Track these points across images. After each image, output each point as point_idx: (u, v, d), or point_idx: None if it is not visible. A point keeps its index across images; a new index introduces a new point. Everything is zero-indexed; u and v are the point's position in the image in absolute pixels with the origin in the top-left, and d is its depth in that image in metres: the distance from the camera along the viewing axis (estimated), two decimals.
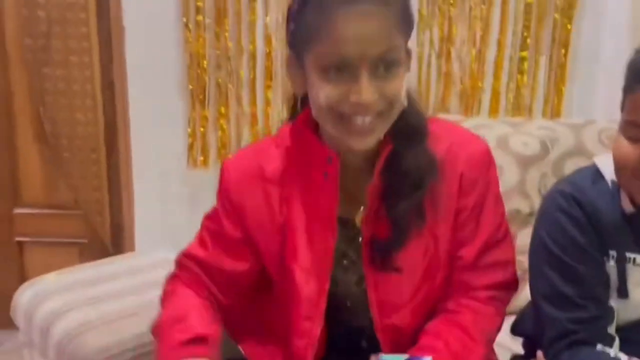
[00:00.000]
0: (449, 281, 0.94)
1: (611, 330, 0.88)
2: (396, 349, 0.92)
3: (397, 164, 0.88)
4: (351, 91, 0.80)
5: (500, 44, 1.78)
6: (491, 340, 0.96)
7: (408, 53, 0.86)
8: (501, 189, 1.41)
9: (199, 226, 1.73)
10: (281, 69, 1.83)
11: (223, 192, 0.97)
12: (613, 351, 0.86)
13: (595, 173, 0.93)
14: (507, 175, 1.45)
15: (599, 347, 0.87)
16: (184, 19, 1.79)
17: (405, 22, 0.84)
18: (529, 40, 1.77)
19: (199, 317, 0.93)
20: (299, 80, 0.87)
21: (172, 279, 1.03)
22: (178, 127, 1.90)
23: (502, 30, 1.78)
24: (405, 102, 0.84)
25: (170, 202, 1.98)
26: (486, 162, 0.93)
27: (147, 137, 1.92)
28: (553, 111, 1.80)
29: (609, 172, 0.90)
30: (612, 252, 0.88)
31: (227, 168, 0.97)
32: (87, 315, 1.47)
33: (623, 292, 0.88)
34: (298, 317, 0.93)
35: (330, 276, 0.92)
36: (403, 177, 0.88)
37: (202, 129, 1.89)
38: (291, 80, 0.90)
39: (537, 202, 1.48)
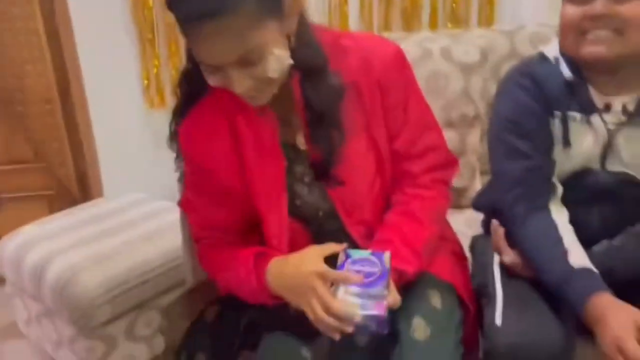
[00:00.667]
0: (394, 175, 1.08)
1: (554, 179, 1.05)
2: (369, 240, 1.06)
3: (308, 104, 0.96)
4: (226, 83, 0.89)
5: None
6: (441, 219, 1.12)
7: (281, 22, 0.88)
8: (448, 96, 1.56)
9: (163, 165, 1.82)
10: None
11: (187, 158, 1.07)
12: (563, 214, 1.03)
13: (542, 55, 1.08)
14: (453, 83, 1.58)
15: (553, 212, 1.03)
16: None
17: (270, 8, 0.86)
18: None
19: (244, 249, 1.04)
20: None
21: (200, 251, 1.12)
22: (131, 69, 1.91)
23: None
24: (289, 61, 0.90)
25: (132, 145, 2.02)
26: (399, 63, 1.02)
27: (100, 83, 1.92)
28: (487, 20, 1.92)
29: (552, 52, 1.06)
30: (557, 113, 1.03)
31: (182, 135, 1.05)
32: (76, 258, 1.55)
33: (566, 143, 1.03)
34: (269, 238, 1.05)
35: (286, 192, 1.03)
36: (313, 110, 0.97)
37: (155, 70, 1.91)
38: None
39: (481, 106, 1.63)
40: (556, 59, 1.05)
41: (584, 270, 0.95)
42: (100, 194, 2.06)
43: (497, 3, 1.91)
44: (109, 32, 1.87)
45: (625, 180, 1.01)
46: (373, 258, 0.93)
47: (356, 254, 0.95)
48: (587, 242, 1.01)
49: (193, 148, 1.04)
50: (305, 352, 1.02)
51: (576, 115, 1.03)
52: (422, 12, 1.91)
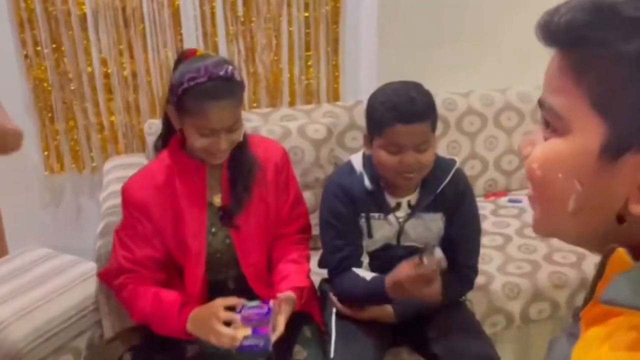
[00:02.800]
0: (275, 233, 1.56)
1: (362, 258, 1.53)
2: (256, 280, 1.51)
3: (234, 163, 1.46)
4: (214, 142, 1.35)
5: (290, 47, 2.33)
6: (309, 263, 1.60)
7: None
8: (304, 165, 2.03)
9: (62, 222, 2.13)
10: (118, 85, 2.19)
11: (129, 206, 1.43)
12: (362, 271, 1.51)
13: (350, 167, 1.53)
14: (307, 155, 2.05)
15: (355, 270, 1.50)
16: (24, 51, 2.05)
17: (242, 100, 1.41)
18: (310, 42, 2.34)
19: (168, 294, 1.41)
20: (177, 123, 1.40)
21: (123, 286, 1.44)
22: (32, 143, 2.18)
23: (290, 36, 2.32)
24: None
25: (34, 206, 2.28)
26: (286, 155, 1.58)
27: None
28: (334, 95, 2.43)
29: (358, 166, 1.52)
30: (362, 214, 1.50)
31: (127, 188, 1.45)
32: (2, 314, 1.81)
33: (370, 235, 1.52)
34: (190, 267, 1.45)
35: (206, 239, 1.46)
36: (238, 170, 1.47)
37: (55, 142, 2.19)
38: (172, 120, 1.41)
39: (329, 170, 2.12)
40: (361, 173, 1.51)
41: (375, 277, 1.45)
42: (6, 251, 2.28)
43: (342, 82, 2.42)
44: (12, 112, 2.11)
45: (414, 249, 1.52)
46: (262, 304, 1.36)
47: (250, 303, 1.38)
48: None
49: (138, 195, 1.42)
50: None
51: (376, 215, 1.50)
52: (283, 88, 2.37)
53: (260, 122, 2.12)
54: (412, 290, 1.33)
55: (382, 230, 1.51)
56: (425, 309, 1.51)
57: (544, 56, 0.58)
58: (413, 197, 1.50)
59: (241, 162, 1.47)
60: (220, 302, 1.36)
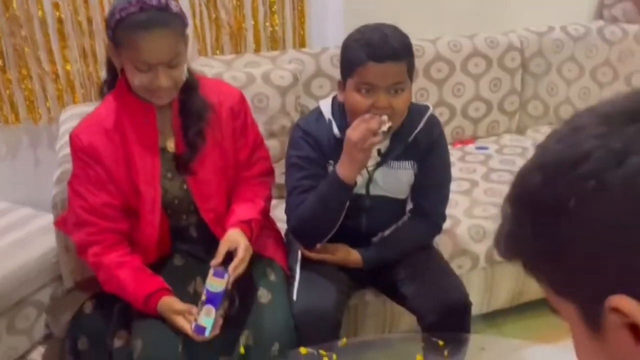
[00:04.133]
0: (235, 178, 1.52)
1: None
2: (218, 225, 1.48)
3: (184, 107, 1.41)
4: (153, 78, 1.29)
5: None
6: (267, 204, 1.56)
7: (186, 44, 1.34)
8: (269, 112, 1.98)
9: (20, 175, 2.05)
10: (72, 31, 2.09)
11: (79, 153, 1.37)
12: None
13: (319, 113, 1.49)
14: (272, 102, 2.00)
15: None
16: None
17: (184, 32, 1.32)
18: None
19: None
20: (117, 60, 1.33)
21: (85, 246, 1.38)
22: None
23: None
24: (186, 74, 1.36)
25: None
26: (243, 100, 1.52)
27: None
28: (300, 41, 2.36)
29: (327, 112, 1.47)
30: (331, 161, 1.46)
31: (75, 135, 1.38)
32: None
33: None
34: (145, 214, 1.41)
35: (161, 185, 1.41)
36: (189, 115, 1.41)
37: (7, 91, 2.09)
38: (112, 58, 1.35)
39: (295, 117, 2.07)
40: (329, 120, 1.46)
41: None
42: None
43: (307, 28, 2.35)
44: None
45: (383, 198, 1.50)
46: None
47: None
48: (361, 240, 1.50)
49: (88, 142, 1.36)
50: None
51: None
52: (247, 34, 2.30)
53: (223, 68, 2.05)
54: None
55: None
56: (392, 255, 1.50)
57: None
58: (383, 145, 1.46)
59: (192, 106, 1.41)
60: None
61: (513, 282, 1.97)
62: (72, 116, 2.02)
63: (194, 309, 1.32)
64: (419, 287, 1.45)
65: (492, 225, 1.86)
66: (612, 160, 0.44)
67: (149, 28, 1.24)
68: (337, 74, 2.16)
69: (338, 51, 2.20)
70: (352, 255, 1.50)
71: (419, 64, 2.27)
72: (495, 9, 2.56)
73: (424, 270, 1.49)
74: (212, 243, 1.50)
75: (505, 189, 1.83)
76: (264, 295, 1.42)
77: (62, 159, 1.70)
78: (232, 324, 1.36)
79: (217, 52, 2.27)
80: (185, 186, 1.45)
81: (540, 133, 2.52)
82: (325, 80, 2.17)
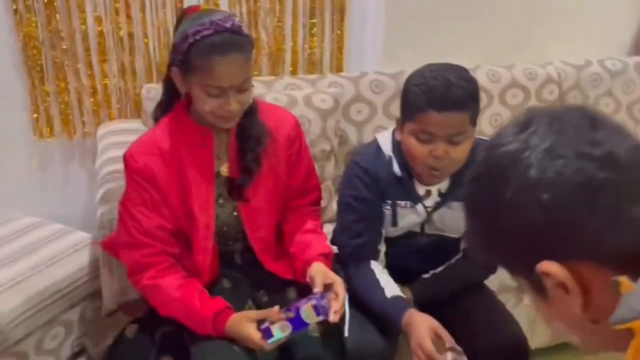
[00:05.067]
0: (286, 206, 1.48)
1: (380, 247, 1.45)
2: (264, 253, 1.44)
3: (243, 131, 1.38)
4: (224, 103, 1.26)
5: (294, 14, 2.23)
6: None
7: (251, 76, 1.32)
8: (310, 136, 1.95)
9: (50, 190, 1.99)
10: (113, 46, 2.07)
11: (133, 174, 1.33)
12: (380, 273, 1.42)
13: (377, 148, 1.43)
14: (313, 125, 1.97)
15: (373, 268, 1.41)
16: (14, 6, 1.91)
17: (252, 54, 1.29)
18: (315, 9, 2.25)
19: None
20: (182, 85, 1.30)
21: (141, 269, 1.32)
22: (21, 105, 2.05)
23: (294, 2, 2.22)
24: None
25: (21, 173, 2.15)
26: (299, 126, 1.49)
27: None
28: (337, 65, 2.34)
29: (386, 148, 1.41)
30: (388, 201, 1.41)
31: (130, 156, 1.34)
32: None
33: (394, 223, 1.44)
34: (198, 240, 1.37)
35: (215, 211, 1.37)
36: (247, 138, 1.38)
37: (44, 104, 2.06)
38: (176, 83, 1.32)
39: (335, 142, 2.05)
40: (390, 157, 1.40)
41: (395, 298, 1.36)
42: None
43: (346, 52, 2.34)
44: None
45: (438, 237, 1.46)
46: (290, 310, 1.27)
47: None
48: (413, 276, 1.46)
49: (143, 163, 1.32)
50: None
51: (403, 203, 1.41)
52: (285, 56, 2.28)
53: (263, 89, 2.03)
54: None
55: (407, 218, 1.44)
56: (444, 292, 1.47)
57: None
58: (444, 185, 1.42)
59: (251, 130, 1.38)
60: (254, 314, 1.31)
61: None
62: (110, 132, 1.99)
63: (273, 314, 1.27)
64: (475, 329, 1.40)
65: None
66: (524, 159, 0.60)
67: (225, 52, 1.21)
68: (376, 99, 2.17)
69: (377, 77, 2.23)
70: (404, 294, 1.45)
71: None
72: (532, 40, 2.55)
73: (481, 311, 1.45)
74: (256, 271, 1.46)
75: None
76: (314, 328, 1.37)
77: (105, 177, 1.67)
78: (283, 355, 1.31)
79: (255, 72, 2.25)
80: (235, 213, 1.41)
81: None
82: (364, 105, 2.15)
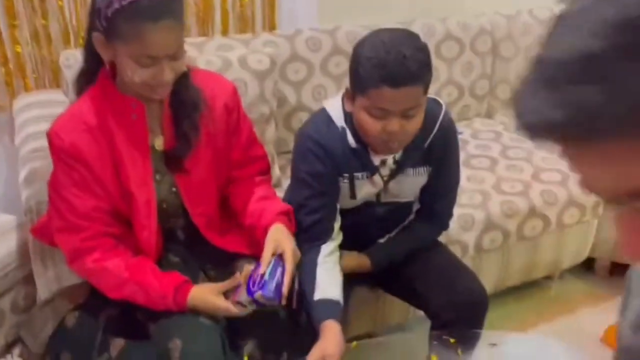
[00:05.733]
0: (230, 178, 1.41)
1: (335, 223, 1.37)
2: (208, 229, 1.37)
3: (177, 97, 1.28)
4: (157, 73, 1.16)
5: None
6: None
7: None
8: (248, 99, 1.87)
9: None
10: (24, 8, 1.87)
11: (60, 153, 1.22)
12: (332, 244, 1.36)
13: (328, 119, 1.34)
14: (250, 88, 1.88)
15: (322, 249, 1.34)
16: None
17: (184, 22, 1.18)
18: None
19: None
20: (106, 53, 1.19)
21: (82, 254, 1.23)
22: None
23: None
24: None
25: None
26: (236, 94, 1.40)
27: None
28: (270, 23, 2.24)
29: (338, 119, 1.33)
30: (345, 174, 1.35)
31: (55, 133, 1.22)
32: None
33: (353, 196, 1.39)
34: (139, 217, 1.28)
35: (154, 187, 1.29)
36: (182, 105, 1.29)
37: None
38: (99, 50, 1.19)
39: (274, 104, 1.97)
40: (343, 129, 1.32)
41: (321, 302, 1.29)
42: None
43: (277, 8, 2.23)
44: None
45: (393, 204, 1.43)
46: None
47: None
48: (372, 240, 1.45)
49: (69, 139, 1.20)
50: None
51: (360, 174, 1.36)
52: (215, 15, 2.15)
53: (195, 52, 1.91)
54: None
55: (365, 189, 1.40)
56: (400, 254, 1.47)
57: None
58: (398, 153, 1.37)
59: (185, 96, 1.28)
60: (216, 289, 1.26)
61: (497, 269, 1.97)
62: (28, 105, 1.83)
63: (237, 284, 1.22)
64: (433, 285, 1.41)
65: (480, 214, 1.85)
66: None
67: (157, 18, 1.10)
68: (313, 58, 2.10)
69: (313, 34, 2.15)
70: (362, 262, 1.44)
71: None
72: None
73: (437, 267, 1.46)
74: (202, 246, 1.39)
75: (486, 176, 1.79)
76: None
77: (28, 155, 1.53)
78: (235, 333, 1.26)
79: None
80: (174, 189, 1.33)
81: (509, 116, 2.54)
82: (302, 65, 2.07)
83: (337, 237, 1.40)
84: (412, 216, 1.49)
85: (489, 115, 2.57)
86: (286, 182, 1.98)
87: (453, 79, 2.38)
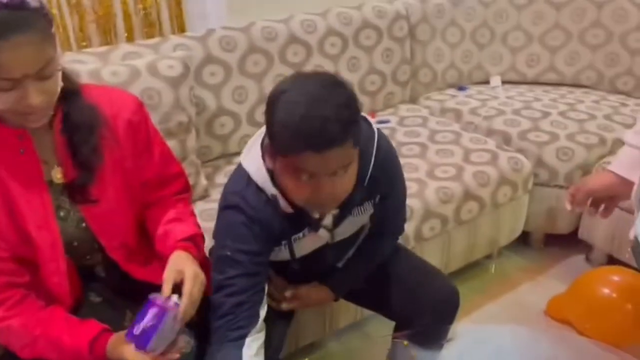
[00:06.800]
0: (146, 202, 1.28)
1: (260, 309, 1.18)
2: (129, 262, 1.24)
3: (69, 120, 1.12)
4: (21, 97, 0.99)
5: None
6: (193, 216, 1.33)
7: (55, 45, 1.03)
8: (163, 109, 1.74)
9: None
10: None
11: None
12: (256, 343, 1.17)
13: (255, 186, 1.16)
14: (164, 96, 1.74)
15: (245, 348, 1.14)
16: None
17: (51, 30, 1.01)
18: None
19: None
20: None
21: None
22: None
23: None
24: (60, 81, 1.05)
25: None
26: (141, 108, 1.24)
27: None
28: (179, 25, 2.11)
29: (264, 184, 1.15)
30: (284, 242, 1.23)
31: None
32: None
33: (292, 257, 1.26)
34: (46, 263, 1.13)
35: (58, 226, 1.14)
36: (77, 129, 1.13)
37: None
38: None
39: (192, 112, 1.85)
40: (274, 196, 1.15)
41: None
42: None
43: (185, 9, 2.11)
44: None
45: (342, 240, 1.33)
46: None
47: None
48: (328, 271, 1.37)
49: None
50: None
51: (300, 234, 1.23)
52: (117, 20, 2.00)
53: (98, 63, 1.75)
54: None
55: (309, 244, 1.28)
56: (363, 274, 1.40)
57: None
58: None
59: (78, 119, 1.12)
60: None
61: (439, 256, 1.96)
62: None
63: None
64: (404, 294, 1.35)
65: (417, 203, 1.82)
66: None
67: (6, 35, 0.94)
68: (229, 58, 1.99)
69: (226, 33, 2.04)
70: (324, 293, 1.36)
71: (311, 39, 2.16)
72: None
73: (403, 274, 1.40)
74: (125, 280, 1.26)
75: (418, 163, 1.69)
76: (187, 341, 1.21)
77: None
78: None
79: (84, 44, 1.95)
80: (83, 224, 1.18)
81: (432, 100, 2.54)
82: (217, 67, 1.96)
83: (262, 330, 1.21)
84: (363, 234, 1.41)
85: (413, 100, 2.55)
86: (214, 192, 1.89)
87: (374, 67, 2.34)
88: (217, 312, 1.17)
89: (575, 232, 2.18)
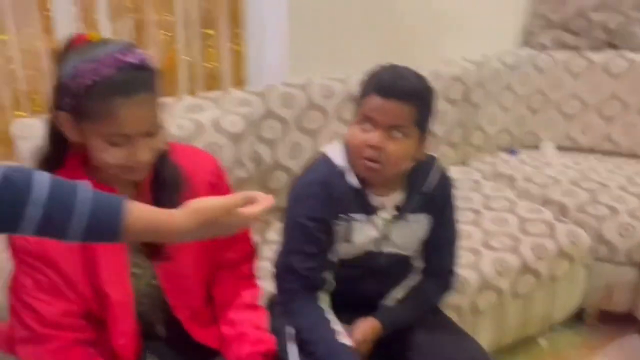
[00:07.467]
0: (215, 263, 1.27)
1: (326, 274, 1.31)
2: (192, 322, 1.22)
3: (158, 178, 1.15)
4: (131, 153, 1.03)
5: (187, 24, 1.99)
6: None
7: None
8: (223, 164, 1.73)
9: None
10: None
11: (22, 254, 1.06)
12: (326, 297, 1.31)
13: (328, 160, 1.31)
14: (225, 151, 1.76)
15: (321, 299, 1.30)
16: None
17: (160, 95, 1.06)
18: (211, 20, 2.02)
19: None
20: (74, 134, 1.05)
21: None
22: None
23: (186, 12, 1.98)
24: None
25: None
26: (220, 169, 1.28)
27: None
28: (239, 79, 2.14)
29: (338, 159, 1.30)
30: (342, 216, 1.28)
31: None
32: None
33: (348, 240, 1.31)
34: (116, 322, 1.12)
35: (131, 284, 1.14)
36: (163, 187, 1.15)
37: None
38: (65, 131, 1.05)
39: (251, 167, 1.85)
40: (343, 168, 1.29)
41: (345, 346, 1.23)
42: None
43: (247, 65, 2.14)
44: None
45: (394, 257, 1.34)
46: None
47: None
48: (368, 301, 1.34)
49: (34, 240, 1.03)
50: None
51: (358, 216, 1.29)
52: (180, 72, 2.03)
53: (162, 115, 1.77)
54: None
55: (363, 234, 1.30)
56: (411, 318, 1.38)
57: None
58: (399, 197, 1.32)
59: (166, 177, 1.15)
60: None
61: (492, 329, 1.89)
62: None
63: None
64: (440, 349, 1.31)
65: (472, 274, 1.77)
66: None
67: (129, 92, 0.98)
68: (287, 114, 2.00)
69: (286, 89, 2.05)
70: (375, 325, 1.31)
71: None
72: (431, 41, 2.51)
73: (442, 331, 1.37)
74: (183, 341, 1.23)
75: (472, 231, 1.90)
76: None
77: None
78: None
79: None
80: (154, 281, 1.18)
81: (484, 162, 2.51)
82: (275, 122, 1.97)
83: (328, 291, 1.34)
84: (415, 275, 1.41)
85: (464, 162, 2.53)
86: (266, 249, 1.85)
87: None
88: (292, 275, 1.29)
89: (631, 310, 2.10)
